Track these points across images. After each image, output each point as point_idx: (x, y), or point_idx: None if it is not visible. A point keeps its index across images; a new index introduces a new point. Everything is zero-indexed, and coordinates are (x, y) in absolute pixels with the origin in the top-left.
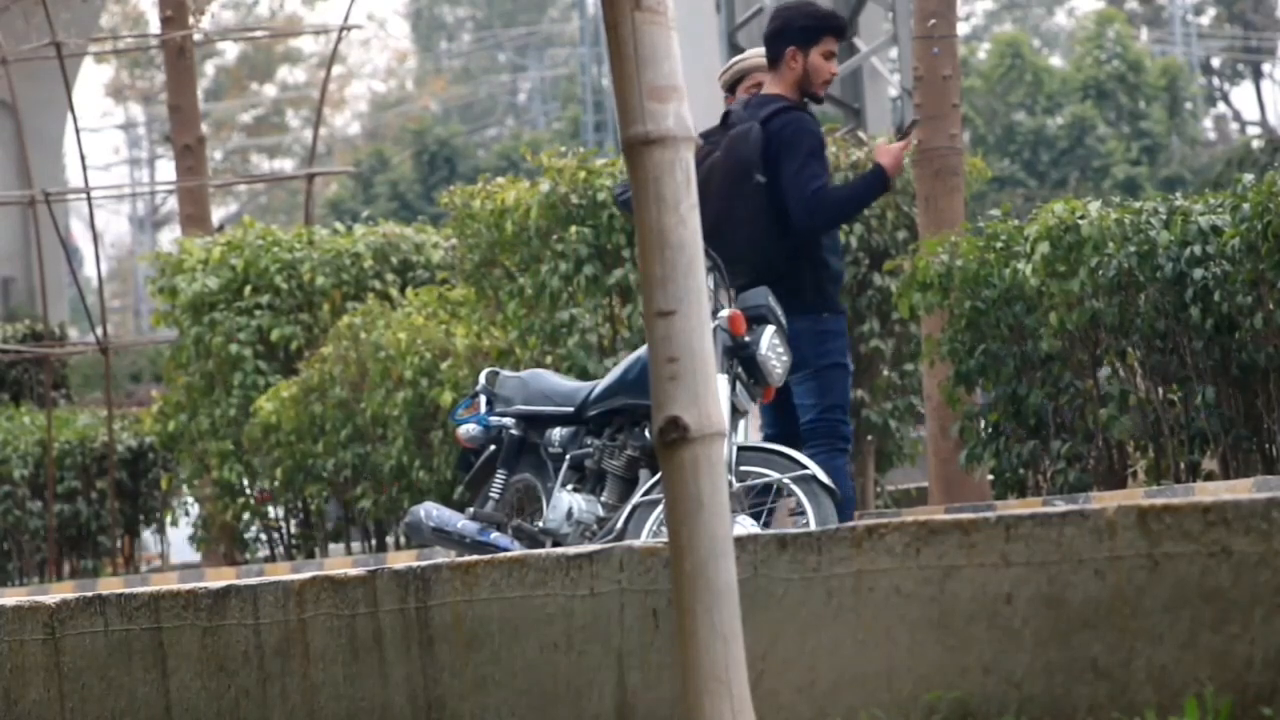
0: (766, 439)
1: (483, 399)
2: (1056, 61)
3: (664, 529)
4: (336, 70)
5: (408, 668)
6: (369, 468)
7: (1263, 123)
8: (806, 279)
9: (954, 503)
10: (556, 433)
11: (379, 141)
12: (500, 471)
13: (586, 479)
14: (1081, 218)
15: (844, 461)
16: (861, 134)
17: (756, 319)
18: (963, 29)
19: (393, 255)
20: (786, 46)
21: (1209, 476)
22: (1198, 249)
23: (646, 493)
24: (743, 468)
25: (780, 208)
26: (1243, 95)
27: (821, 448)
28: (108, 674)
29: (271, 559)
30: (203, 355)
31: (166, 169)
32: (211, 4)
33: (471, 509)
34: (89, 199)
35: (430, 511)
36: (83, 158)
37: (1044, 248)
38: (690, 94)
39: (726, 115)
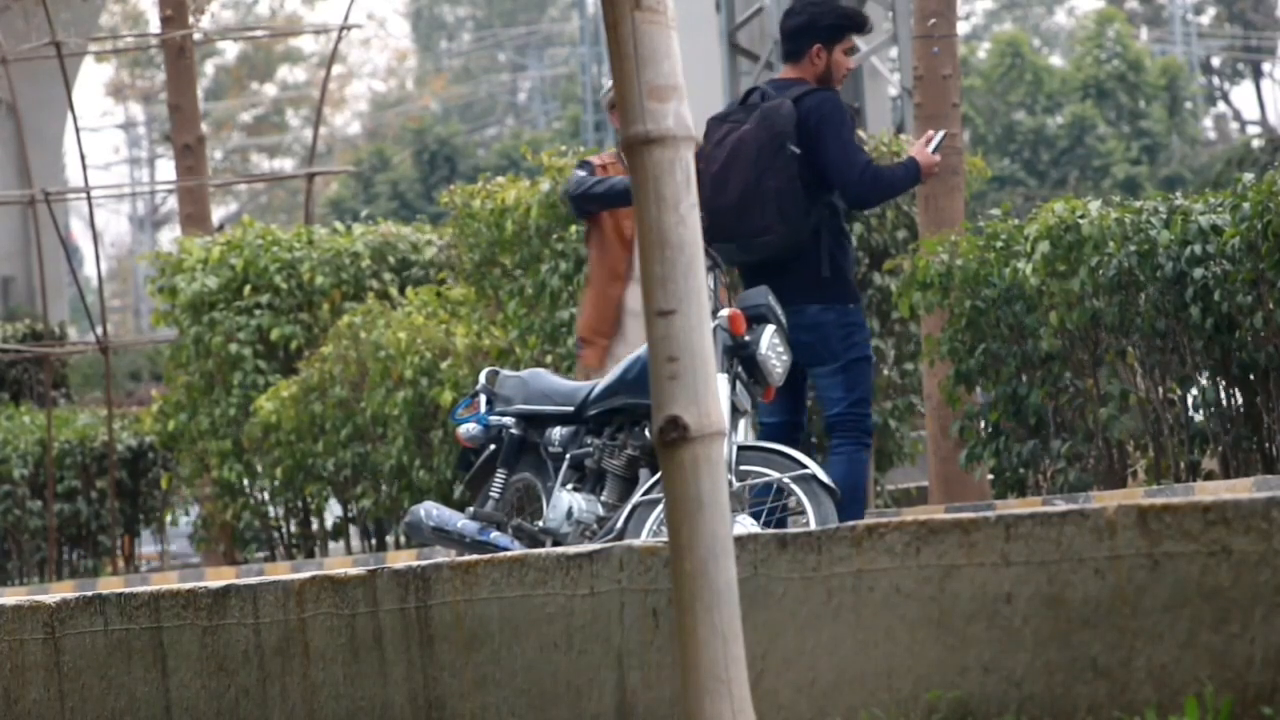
0: (766, 426)
1: (483, 398)
2: (1056, 61)
3: (664, 528)
4: (336, 70)
5: (408, 667)
6: (369, 467)
7: (1263, 122)
8: (826, 262)
9: (954, 502)
10: (556, 432)
11: (379, 141)
12: (500, 471)
13: (586, 478)
14: (1081, 217)
15: (867, 457)
16: (861, 133)
17: (756, 318)
18: (963, 28)
19: (390, 255)
20: (812, 43)
21: (1209, 476)
22: (1198, 248)
23: (646, 492)
24: (743, 467)
25: (811, 182)
26: (1243, 95)
27: (849, 442)
28: (108, 673)
29: (271, 559)
30: (202, 355)
31: (166, 168)
32: (211, 3)
33: (471, 508)
34: (89, 198)
35: (430, 511)
36: (83, 157)
37: (1044, 247)
38: (690, 94)
39: (749, 94)
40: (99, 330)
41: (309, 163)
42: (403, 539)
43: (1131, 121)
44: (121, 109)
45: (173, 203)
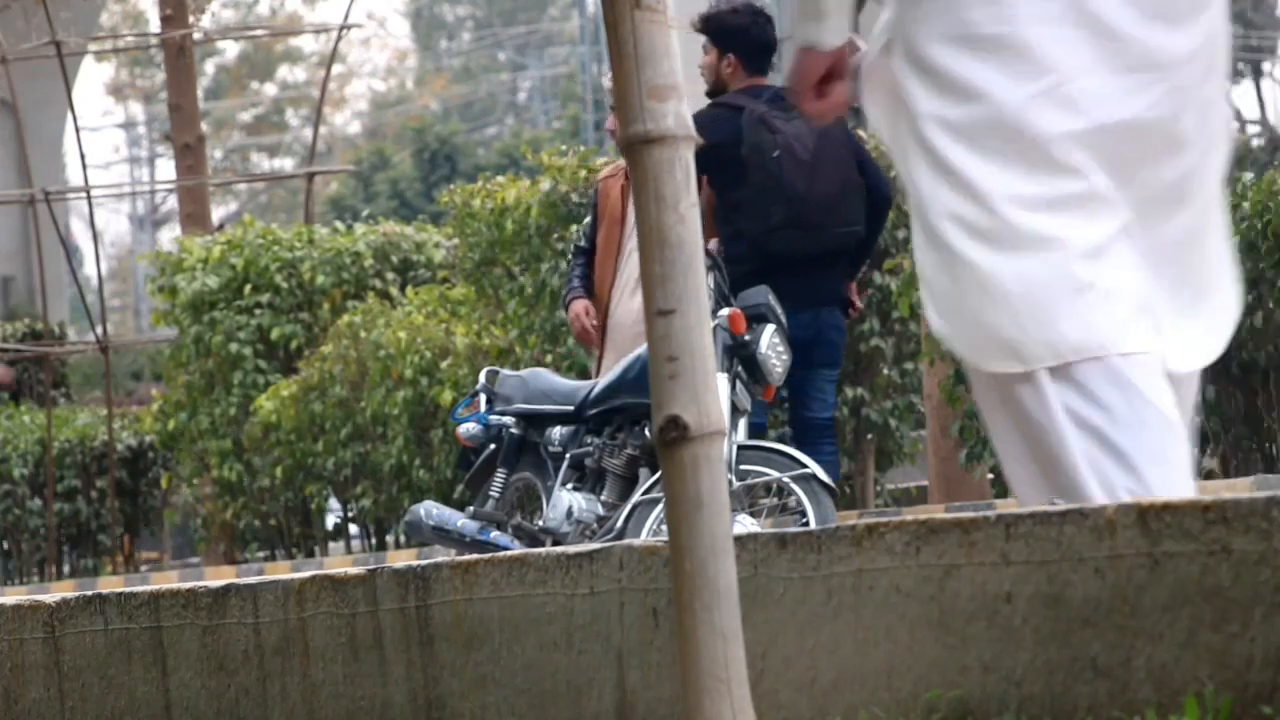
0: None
1: (483, 398)
2: None
3: (664, 528)
4: (336, 69)
5: (408, 666)
6: (369, 467)
7: (1263, 122)
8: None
9: (954, 501)
10: (556, 431)
11: (379, 140)
12: (500, 470)
13: (586, 478)
14: None
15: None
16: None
17: (756, 318)
18: None
19: (393, 254)
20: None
21: (1209, 475)
22: None
23: (646, 491)
24: (743, 467)
25: None
26: (1243, 94)
27: (832, 442)
28: (107, 673)
29: (271, 558)
30: (202, 354)
31: (166, 168)
32: (211, 3)
33: (471, 508)
34: (89, 198)
35: (430, 510)
36: (83, 156)
37: None
38: (690, 93)
39: (769, 93)
40: (99, 330)
41: (309, 162)
42: (403, 539)
43: None
44: (121, 109)
45: (173, 202)
